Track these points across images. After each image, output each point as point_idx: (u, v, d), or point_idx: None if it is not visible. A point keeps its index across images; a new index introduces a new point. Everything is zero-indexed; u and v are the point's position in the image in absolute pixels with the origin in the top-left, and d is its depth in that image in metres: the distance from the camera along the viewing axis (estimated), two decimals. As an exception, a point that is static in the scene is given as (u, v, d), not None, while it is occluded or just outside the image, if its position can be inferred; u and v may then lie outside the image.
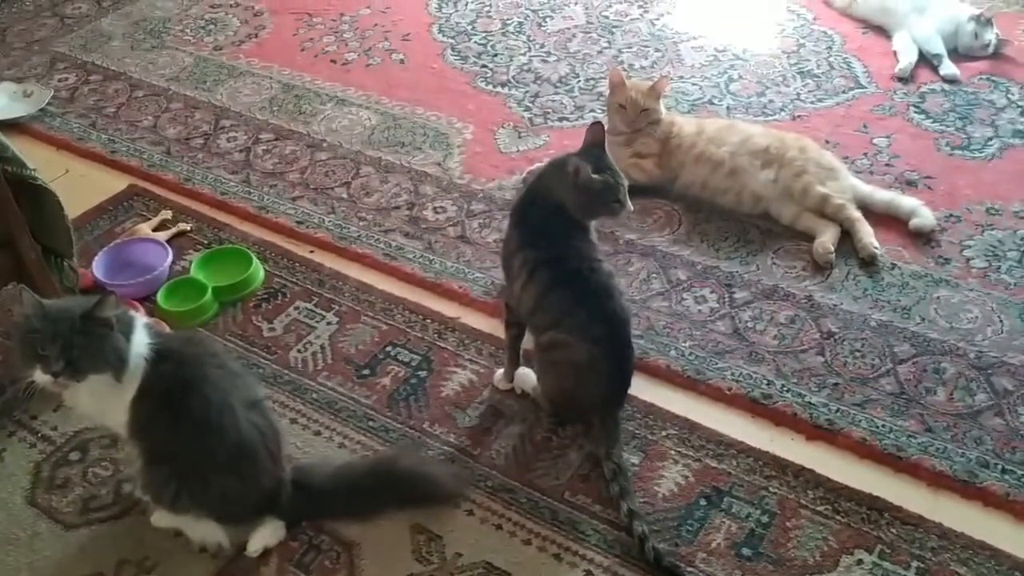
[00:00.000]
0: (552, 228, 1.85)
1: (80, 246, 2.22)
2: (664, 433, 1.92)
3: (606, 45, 3.30)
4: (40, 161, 2.08)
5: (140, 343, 1.57)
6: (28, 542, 1.75)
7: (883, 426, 1.92)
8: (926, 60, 3.10)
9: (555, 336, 1.82)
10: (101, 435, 1.92)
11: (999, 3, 3.41)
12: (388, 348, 2.13)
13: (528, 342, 1.98)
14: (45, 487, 1.84)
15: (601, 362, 1.82)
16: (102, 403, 1.58)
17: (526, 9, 3.53)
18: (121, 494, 1.82)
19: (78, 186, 2.62)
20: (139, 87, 3.12)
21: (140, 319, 1.64)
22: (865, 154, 2.70)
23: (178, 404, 1.56)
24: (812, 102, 2.95)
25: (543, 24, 3.44)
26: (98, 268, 2.30)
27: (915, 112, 2.88)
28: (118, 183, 2.68)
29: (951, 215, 2.47)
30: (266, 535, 1.70)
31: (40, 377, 1.52)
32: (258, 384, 1.79)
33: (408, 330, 2.17)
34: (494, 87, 3.07)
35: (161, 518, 1.72)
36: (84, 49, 3.36)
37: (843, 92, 2.99)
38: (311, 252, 2.43)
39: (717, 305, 2.23)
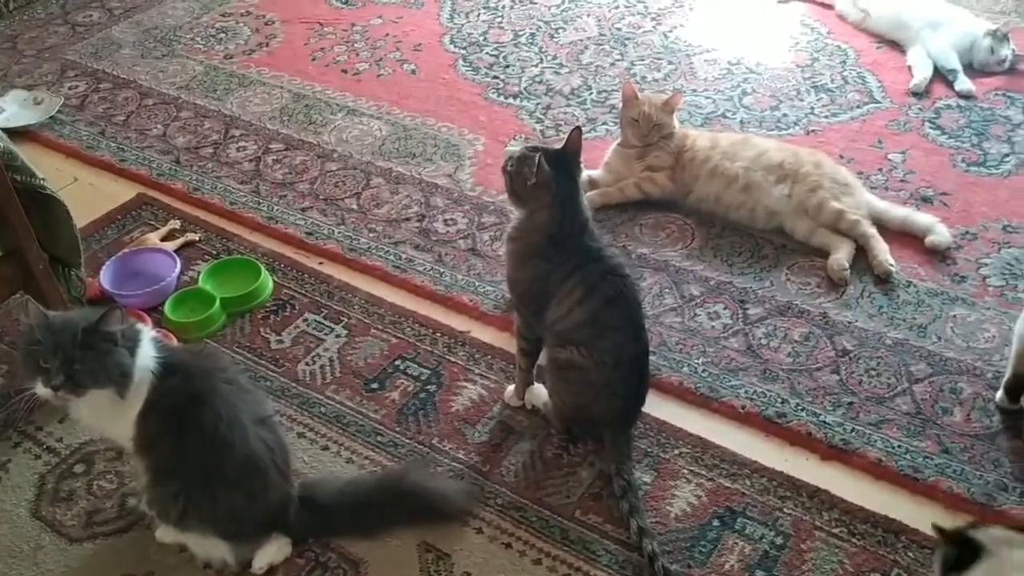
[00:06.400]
0: (585, 240, 1.82)
1: (88, 255, 2.21)
2: (677, 451, 1.89)
3: (618, 57, 3.28)
4: (49, 169, 2.08)
5: (146, 356, 1.56)
6: (31, 555, 1.73)
7: (899, 447, 1.89)
8: (941, 75, 3.07)
9: (572, 357, 1.80)
10: (106, 448, 1.90)
11: (1015, 18, 3.38)
12: (397, 362, 2.10)
13: (541, 358, 1.95)
14: (50, 499, 1.83)
15: (621, 382, 1.81)
16: (106, 418, 1.57)
17: (538, 21, 3.52)
18: (126, 508, 1.80)
19: (87, 195, 2.61)
20: (149, 95, 3.11)
21: (147, 332, 1.62)
22: (880, 170, 2.68)
23: (186, 419, 1.54)
24: (826, 117, 2.92)
25: (555, 36, 3.42)
26: (106, 278, 2.28)
27: (930, 128, 2.85)
28: (127, 192, 2.67)
29: (967, 232, 2.44)
30: (272, 552, 1.68)
31: (41, 390, 1.51)
32: (267, 400, 1.77)
33: (418, 344, 2.15)
34: (506, 99, 3.06)
35: (166, 533, 1.70)
36: (95, 57, 3.35)
37: (857, 107, 2.96)
38: (320, 264, 2.41)
39: (730, 321, 2.20)
